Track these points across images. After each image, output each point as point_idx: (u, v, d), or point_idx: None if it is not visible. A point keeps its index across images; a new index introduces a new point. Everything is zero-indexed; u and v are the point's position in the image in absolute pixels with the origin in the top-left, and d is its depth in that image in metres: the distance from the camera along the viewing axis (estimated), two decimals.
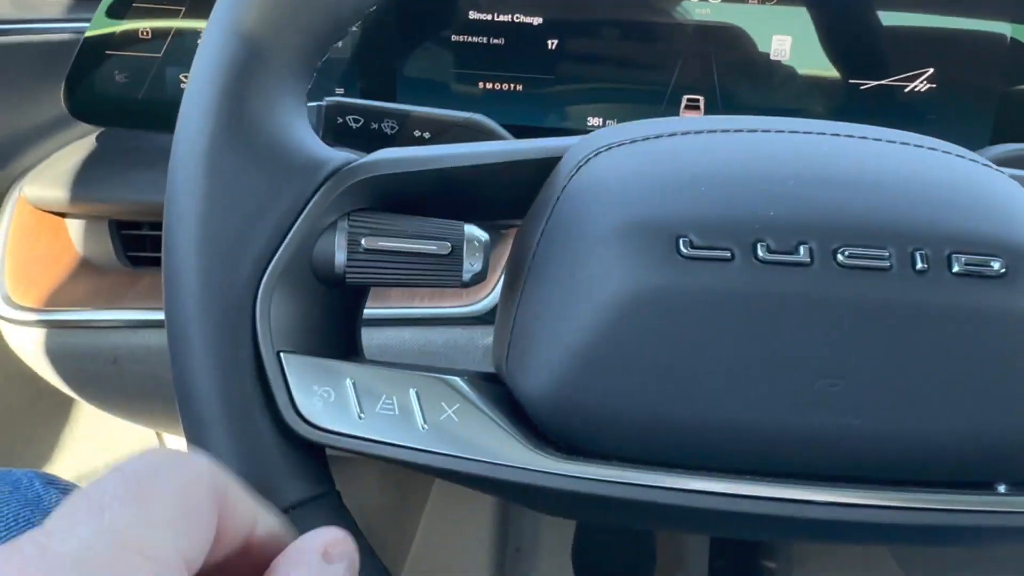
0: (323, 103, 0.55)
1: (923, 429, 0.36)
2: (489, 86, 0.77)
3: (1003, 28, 0.74)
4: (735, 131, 0.39)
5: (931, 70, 0.75)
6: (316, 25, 0.36)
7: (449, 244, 0.38)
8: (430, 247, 0.38)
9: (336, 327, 0.41)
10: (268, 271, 0.36)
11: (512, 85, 0.77)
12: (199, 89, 0.36)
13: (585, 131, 0.77)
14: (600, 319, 0.35)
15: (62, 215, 0.78)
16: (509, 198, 0.42)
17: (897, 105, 0.76)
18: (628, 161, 0.38)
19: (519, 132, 0.77)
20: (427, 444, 0.37)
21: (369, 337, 0.76)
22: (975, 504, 0.37)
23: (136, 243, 0.78)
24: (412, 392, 0.37)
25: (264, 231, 0.36)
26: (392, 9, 0.75)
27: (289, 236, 0.37)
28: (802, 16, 0.75)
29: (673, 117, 0.42)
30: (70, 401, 0.91)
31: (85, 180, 0.76)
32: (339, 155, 0.39)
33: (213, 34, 0.36)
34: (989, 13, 0.74)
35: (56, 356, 0.73)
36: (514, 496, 0.41)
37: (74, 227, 0.79)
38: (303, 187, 0.37)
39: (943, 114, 0.76)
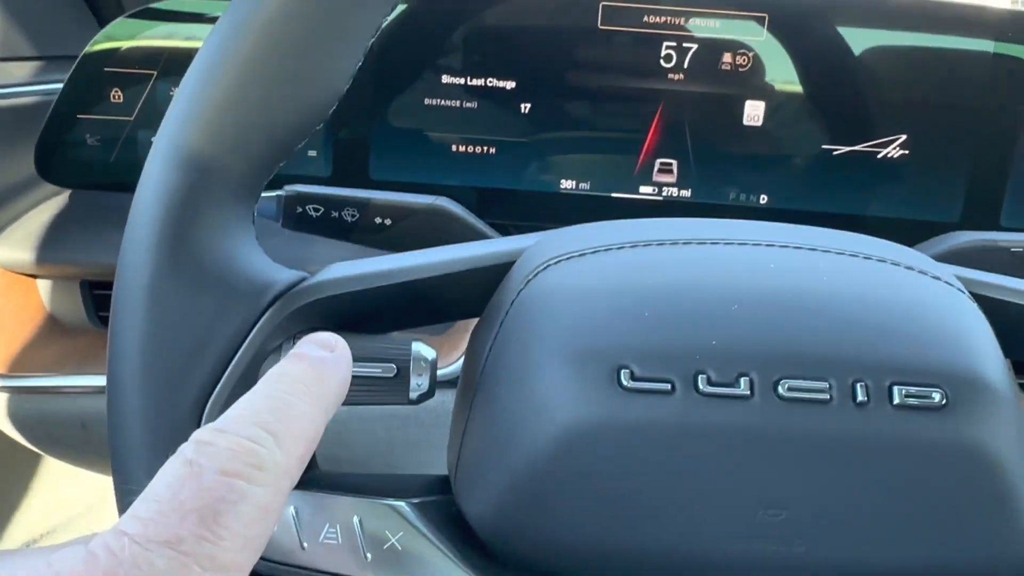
0: (282, 193, 0.55)
1: (868, 558, 0.36)
2: (463, 149, 0.77)
3: (983, 53, 0.74)
4: (683, 243, 0.39)
5: (904, 136, 0.75)
6: (263, 150, 0.36)
7: (395, 366, 0.38)
8: (375, 370, 0.38)
9: None
10: (211, 400, 0.36)
11: (485, 148, 0.77)
12: (142, 220, 0.35)
13: (558, 194, 0.77)
14: (543, 450, 0.35)
15: (33, 276, 0.78)
16: (463, 303, 0.42)
17: (870, 171, 0.76)
18: (576, 279, 0.38)
19: (492, 194, 0.77)
20: (370, 574, 0.36)
21: None
22: None
23: (108, 304, 0.78)
24: (355, 520, 0.37)
25: (209, 359, 0.36)
26: (365, 73, 0.75)
27: (233, 363, 0.36)
28: (777, 81, 0.75)
29: (625, 221, 0.42)
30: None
31: (56, 241, 0.75)
32: (286, 276, 0.39)
33: (156, 163, 0.36)
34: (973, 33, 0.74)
35: (23, 420, 0.73)
36: None
37: (45, 288, 0.78)
38: (248, 313, 0.37)
39: (915, 180, 0.76)
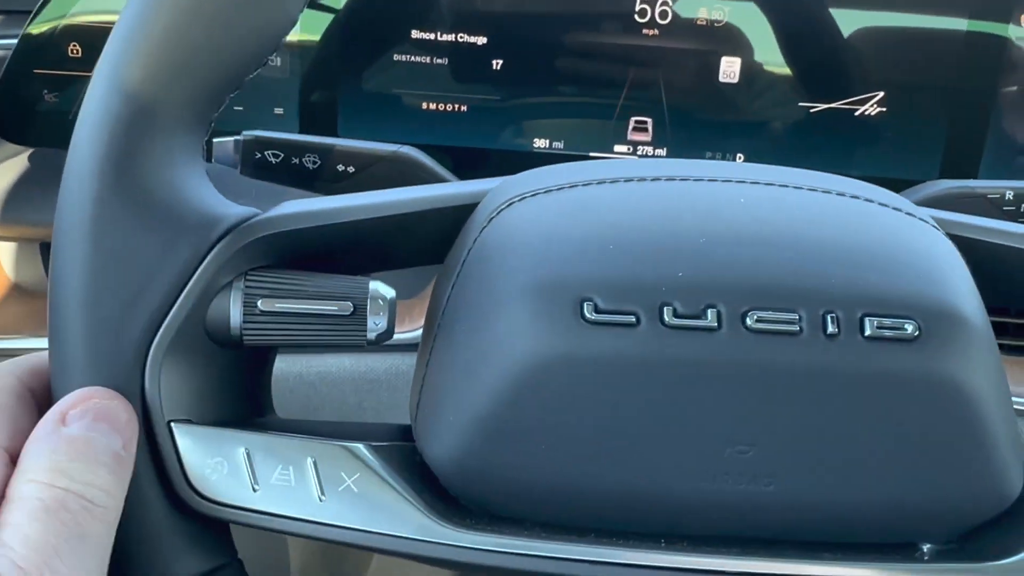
0: (240, 137, 0.53)
1: (839, 495, 0.35)
2: (433, 107, 0.75)
3: (958, 30, 0.73)
4: (652, 179, 0.38)
5: (881, 93, 0.74)
6: (208, 78, 0.35)
7: (351, 304, 0.37)
8: (331, 308, 0.36)
9: (240, 390, 0.39)
10: (157, 338, 0.35)
11: (457, 106, 0.75)
12: (82, 151, 0.34)
13: (532, 153, 0.76)
14: (504, 385, 0.33)
15: None
16: (424, 247, 0.41)
17: (848, 128, 0.75)
18: (539, 215, 0.36)
19: (464, 154, 0.76)
20: (323, 516, 0.35)
21: (308, 364, 0.74)
22: (897, 571, 0.36)
23: None
24: (309, 461, 0.35)
25: (155, 296, 0.35)
26: (333, 28, 0.73)
27: (180, 300, 0.35)
28: (753, 37, 0.74)
29: (593, 161, 0.40)
30: None
31: (16, 202, 0.73)
32: (237, 211, 0.37)
33: (96, 90, 0.34)
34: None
35: None
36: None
37: (4, 250, 0.76)
38: (196, 247, 0.35)
39: (894, 137, 0.75)
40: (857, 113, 0.74)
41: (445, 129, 0.76)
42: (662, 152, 0.76)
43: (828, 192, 0.38)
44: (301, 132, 0.75)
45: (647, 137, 0.76)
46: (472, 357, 0.34)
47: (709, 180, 0.38)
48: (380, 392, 0.74)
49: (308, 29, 0.74)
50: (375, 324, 0.37)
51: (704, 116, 0.75)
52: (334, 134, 0.75)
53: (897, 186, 0.74)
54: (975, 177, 0.75)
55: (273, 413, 0.42)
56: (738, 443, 0.34)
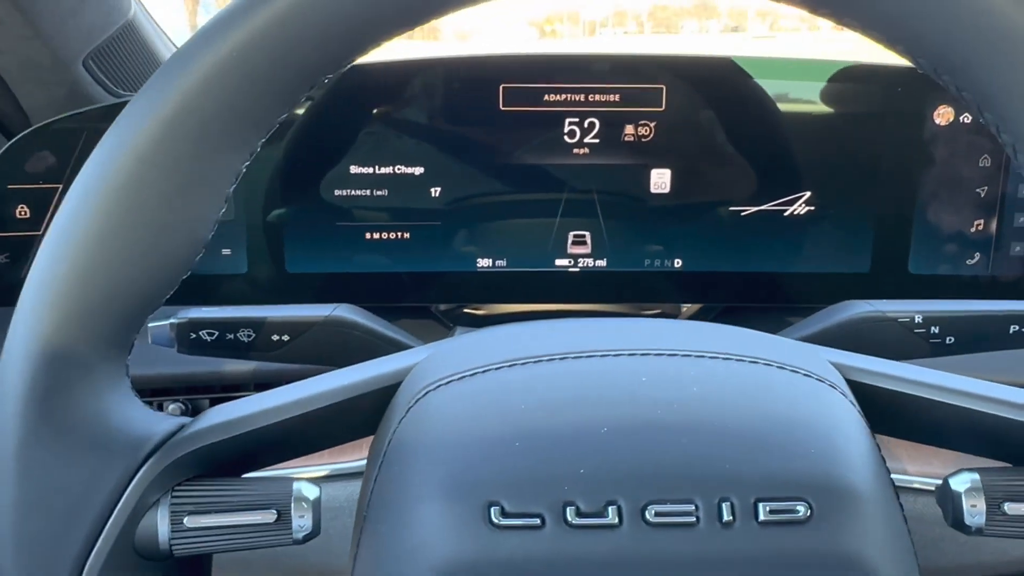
0: (174, 320, 0.55)
1: None
2: (377, 236, 0.77)
3: (877, 125, 0.76)
4: (560, 358, 0.39)
5: (808, 193, 0.77)
6: (122, 312, 0.36)
7: (275, 511, 0.38)
8: (255, 518, 0.38)
9: None
10: (87, 565, 0.36)
11: (400, 234, 0.77)
12: (5, 394, 0.35)
13: (476, 273, 0.78)
14: None
15: None
16: (352, 428, 0.42)
17: (779, 229, 0.77)
18: (451, 408, 0.38)
19: (411, 279, 0.78)
20: None
21: None
22: None
23: None
24: None
25: (85, 523, 0.36)
26: (274, 170, 0.76)
27: (108, 525, 0.36)
28: (681, 147, 0.76)
29: (508, 329, 0.42)
30: None
31: None
32: (163, 426, 0.38)
33: (16, 335, 0.35)
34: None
35: None
36: None
37: None
38: (123, 471, 0.37)
39: (824, 234, 0.78)
40: (786, 213, 0.77)
41: (390, 256, 0.78)
42: (603, 263, 0.78)
43: (728, 359, 0.40)
44: (250, 269, 0.77)
45: (587, 250, 0.78)
46: (391, 561, 0.36)
47: (615, 355, 0.39)
48: (344, 518, 0.76)
49: (250, 172, 0.76)
50: (300, 526, 0.39)
51: (639, 226, 0.78)
52: (282, 270, 0.77)
53: (830, 281, 0.77)
54: (905, 267, 0.77)
55: None
56: None
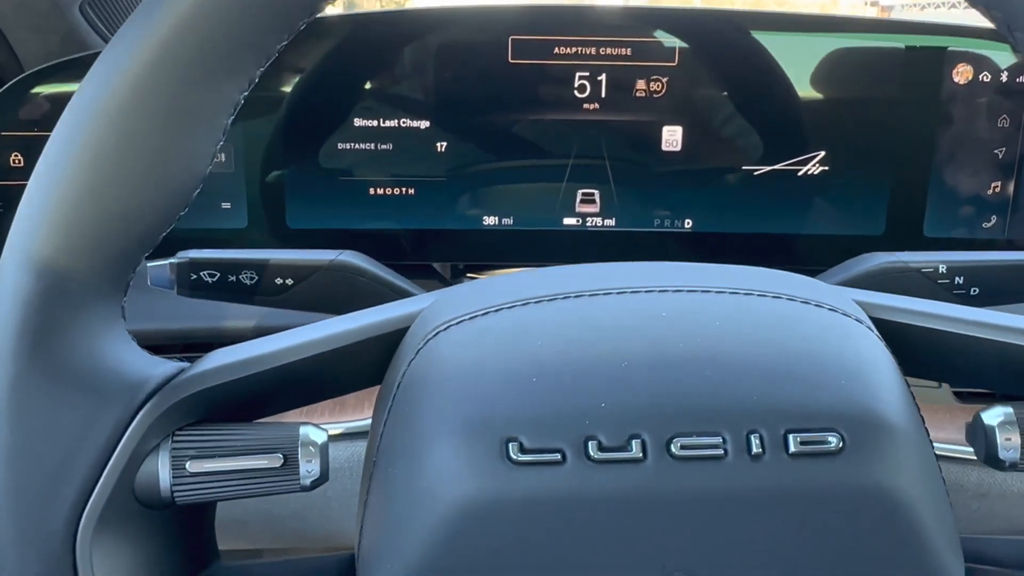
0: (175, 260, 0.53)
1: None
2: (381, 191, 0.75)
3: (893, 85, 0.74)
4: (576, 296, 0.38)
5: (823, 153, 0.75)
6: (120, 245, 0.34)
7: (281, 455, 0.37)
8: (261, 462, 0.36)
9: (181, 547, 0.39)
10: (86, 513, 0.34)
11: (404, 189, 0.76)
12: None
13: (482, 230, 0.76)
14: (436, 532, 0.33)
15: None
16: (359, 375, 0.41)
17: (792, 189, 0.76)
18: (463, 346, 0.36)
19: (415, 236, 0.76)
20: None
21: None
22: None
23: None
24: None
25: (80, 470, 0.34)
26: (276, 120, 0.74)
27: (107, 470, 0.35)
28: (694, 104, 0.74)
29: (521, 274, 0.41)
30: None
31: None
32: (161, 369, 0.37)
33: (7, 268, 0.34)
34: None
35: None
36: None
37: None
38: (120, 415, 0.35)
39: (837, 196, 0.76)
40: (800, 173, 0.75)
41: (394, 212, 0.76)
42: (611, 222, 0.77)
43: (750, 294, 0.38)
44: (250, 224, 0.75)
45: (595, 208, 0.76)
46: (405, 502, 0.35)
47: (632, 292, 0.38)
48: (344, 480, 0.74)
49: (251, 123, 0.74)
50: (308, 471, 0.37)
51: (649, 185, 0.76)
52: (283, 225, 0.75)
53: (843, 243, 0.76)
54: (920, 231, 0.76)
55: (218, 559, 0.41)
56: (674, 571, 0.34)
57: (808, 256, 0.77)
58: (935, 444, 0.68)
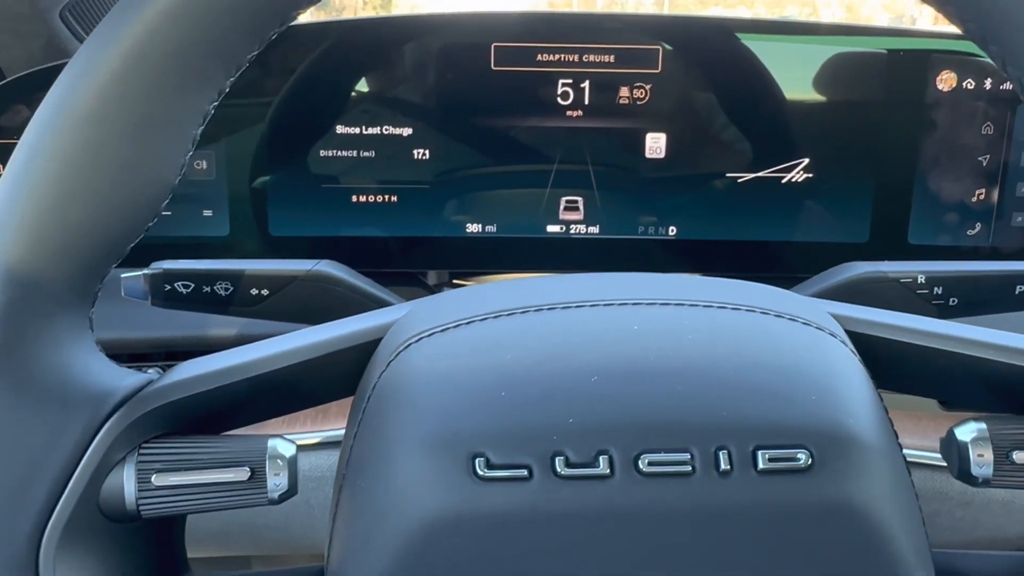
0: (148, 271, 0.52)
1: None
2: (363, 199, 0.75)
3: (878, 90, 0.74)
4: (548, 308, 0.38)
5: (807, 160, 0.75)
6: (87, 255, 0.34)
7: (248, 468, 0.36)
8: (227, 475, 0.36)
9: (148, 560, 0.38)
10: (49, 526, 0.34)
11: (387, 197, 0.75)
12: None
13: (465, 238, 0.76)
14: (403, 547, 0.33)
15: None
16: (330, 387, 0.41)
17: (777, 196, 0.76)
18: (433, 360, 0.36)
19: (399, 244, 0.76)
20: None
21: None
22: None
23: None
24: None
25: (44, 483, 0.34)
26: (258, 128, 0.73)
27: (71, 483, 0.34)
28: (677, 111, 0.74)
29: (494, 285, 0.40)
30: None
31: None
32: (129, 381, 0.36)
33: None
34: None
35: None
36: None
37: None
38: (86, 426, 0.35)
39: (822, 202, 0.76)
40: (784, 181, 0.75)
41: (377, 220, 0.76)
42: (595, 229, 0.76)
43: (724, 307, 0.38)
44: (232, 232, 0.75)
45: (579, 216, 0.76)
46: (372, 515, 0.34)
47: (605, 305, 0.38)
48: (327, 489, 0.74)
49: (233, 130, 0.74)
50: (276, 485, 0.37)
51: (633, 192, 0.76)
52: (266, 232, 0.75)
53: (828, 250, 0.75)
54: (905, 238, 0.76)
55: (188, 572, 0.41)
56: None
57: (792, 263, 0.77)
58: (920, 452, 0.68)
